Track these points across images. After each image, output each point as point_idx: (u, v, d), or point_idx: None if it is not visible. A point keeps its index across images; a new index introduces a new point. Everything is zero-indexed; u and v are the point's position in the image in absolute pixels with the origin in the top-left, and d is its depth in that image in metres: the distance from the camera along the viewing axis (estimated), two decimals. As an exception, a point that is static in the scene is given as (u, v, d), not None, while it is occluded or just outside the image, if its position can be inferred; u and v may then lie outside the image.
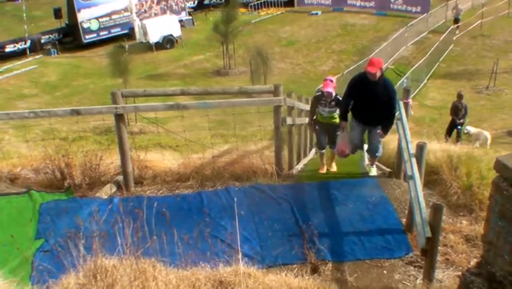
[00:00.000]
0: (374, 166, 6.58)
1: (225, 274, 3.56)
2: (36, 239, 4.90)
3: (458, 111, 12.50)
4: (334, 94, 6.57)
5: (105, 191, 5.85)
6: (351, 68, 20.00)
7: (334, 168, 7.34)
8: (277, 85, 6.12)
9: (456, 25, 25.62)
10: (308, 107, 9.12)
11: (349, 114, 6.25)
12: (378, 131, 6.01)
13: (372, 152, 6.37)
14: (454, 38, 24.11)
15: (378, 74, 5.62)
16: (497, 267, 2.87)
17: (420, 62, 20.51)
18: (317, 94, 6.92)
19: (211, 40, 23.04)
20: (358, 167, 7.64)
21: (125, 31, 26.68)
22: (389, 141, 7.12)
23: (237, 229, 3.98)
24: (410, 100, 6.11)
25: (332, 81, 6.61)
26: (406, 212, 5.08)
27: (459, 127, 12.63)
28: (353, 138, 6.29)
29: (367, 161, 7.25)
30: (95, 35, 26.36)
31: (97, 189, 5.92)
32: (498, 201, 2.83)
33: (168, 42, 25.64)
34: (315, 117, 6.94)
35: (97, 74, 22.46)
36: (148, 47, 25.00)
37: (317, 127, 7.05)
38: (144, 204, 3.79)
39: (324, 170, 7.22)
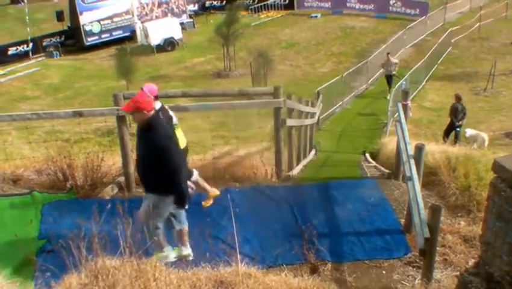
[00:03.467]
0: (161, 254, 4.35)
1: (226, 274, 3.59)
2: (39, 240, 4.94)
3: (457, 113, 12.57)
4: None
5: (107, 192, 5.89)
6: (350, 70, 20.03)
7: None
8: (277, 86, 6.14)
9: (388, 89, 17.51)
10: (308, 109, 9.15)
11: None
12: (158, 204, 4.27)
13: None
14: (452, 40, 24.14)
15: (141, 116, 4.02)
16: (495, 267, 2.89)
17: (418, 64, 20.52)
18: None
19: (212, 42, 23.07)
20: (357, 168, 7.68)
21: (127, 34, 26.72)
22: (388, 143, 7.16)
23: (238, 229, 4.02)
24: (409, 102, 6.15)
25: (143, 89, 4.62)
26: (405, 212, 5.12)
27: (458, 129, 12.69)
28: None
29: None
30: (97, 37, 26.42)
31: (99, 190, 5.94)
32: (496, 202, 2.85)
33: (169, 44, 25.70)
34: None
35: (99, 76, 22.50)
36: (149, 49, 25.05)
37: None
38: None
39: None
